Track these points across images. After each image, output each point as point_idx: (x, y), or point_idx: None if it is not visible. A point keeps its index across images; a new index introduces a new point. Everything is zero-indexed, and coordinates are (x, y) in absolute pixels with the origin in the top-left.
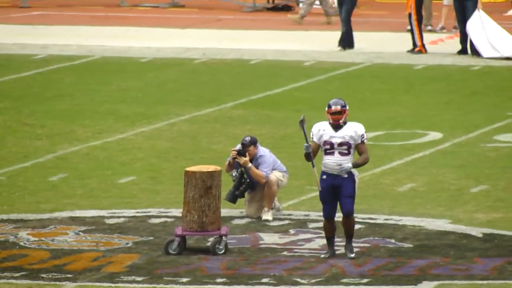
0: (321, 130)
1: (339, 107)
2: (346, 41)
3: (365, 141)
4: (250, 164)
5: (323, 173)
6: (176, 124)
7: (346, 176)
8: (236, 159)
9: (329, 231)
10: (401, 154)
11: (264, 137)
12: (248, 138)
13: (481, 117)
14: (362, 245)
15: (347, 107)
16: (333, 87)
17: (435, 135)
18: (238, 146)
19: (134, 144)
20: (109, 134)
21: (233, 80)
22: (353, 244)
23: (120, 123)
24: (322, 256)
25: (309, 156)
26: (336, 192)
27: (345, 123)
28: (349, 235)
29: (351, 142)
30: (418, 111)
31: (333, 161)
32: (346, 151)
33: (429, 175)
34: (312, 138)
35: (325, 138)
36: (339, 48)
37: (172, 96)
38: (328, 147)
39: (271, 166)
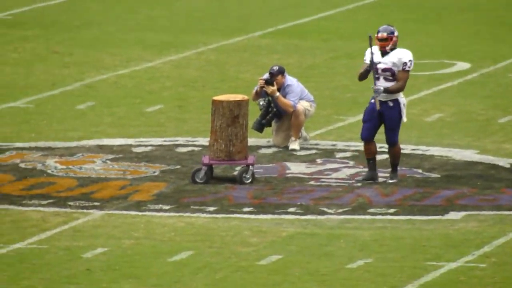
0: (372, 54)
1: (385, 34)
2: None
3: (407, 68)
4: (277, 93)
5: (372, 97)
6: (204, 53)
7: (391, 104)
8: (264, 88)
9: (367, 152)
10: (428, 84)
11: (291, 66)
12: (276, 67)
13: (509, 47)
14: (389, 175)
15: (395, 34)
16: (361, 17)
17: (463, 65)
18: (266, 75)
19: (162, 73)
20: (137, 62)
21: (261, 9)
22: (379, 174)
23: (148, 51)
24: (357, 178)
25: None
26: (381, 117)
27: (392, 49)
28: (393, 164)
29: (394, 68)
30: (446, 41)
31: (378, 86)
32: (390, 77)
33: (457, 105)
34: (365, 60)
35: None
36: None
37: (200, 24)
38: (375, 72)
39: (299, 95)
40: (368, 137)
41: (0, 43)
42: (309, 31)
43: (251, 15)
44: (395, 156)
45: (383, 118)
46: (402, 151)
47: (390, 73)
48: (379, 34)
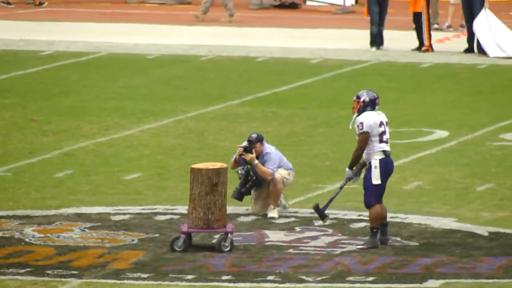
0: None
1: (354, 98)
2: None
3: (358, 131)
4: (256, 161)
5: None
6: (182, 121)
7: (367, 166)
8: (243, 156)
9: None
10: (407, 152)
11: (270, 134)
12: (254, 135)
13: (487, 115)
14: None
15: (361, 99)
16: (339, 85)
17: (441, 134)
18: (245, 143)
19: (141, 141)
20: (115, 130)
21: (240, 78)
22: (359, 242)
23: (126, 119)
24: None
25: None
26: None
27: (358, 114)
28: (370, 227)
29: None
30: (424, 109)
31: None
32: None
33: (435, 173)
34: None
35: None
36: (373, 48)
37: (178, 93)
38: None
39: (277, 163)
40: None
41: None
42: (288, 99)
43: (230, 84)
44: (369, 219)
45: None
46: None
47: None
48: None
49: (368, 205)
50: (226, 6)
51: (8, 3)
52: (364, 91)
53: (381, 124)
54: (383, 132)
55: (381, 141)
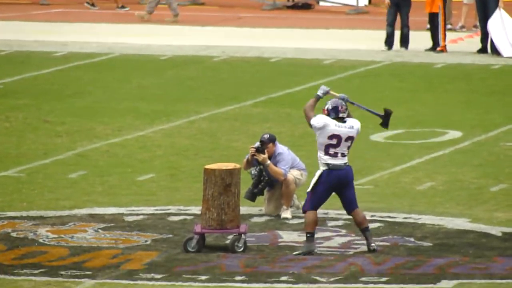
0: None
1: None
2: (406, 42)
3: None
4: (268, 161)
5: None
6: (195, 122)
7: None
8: (255, 156)
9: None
10: (420, 153)
11: (283, 135)
12: (266, 136)
13: (501, 116)
14: (381, 243)
15: (324, 107)
16: (353, 86)
17: (454, 134)
18: (257, 144)
19: (154, 142)
20: (128, 131)
21: (253, 78)
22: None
23: (139, 120)
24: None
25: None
26: None
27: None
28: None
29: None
30: (438, 109)
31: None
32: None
33: (449, 173)
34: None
35: None
36: (403, 48)
37: (191, 93)
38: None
39: (290, 163)
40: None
41: None
42: (301, 100)
43: (243, 84)
44: (304, 223)
45: None
46: (394, 219)
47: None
48: None
49: (303, 209)
50: (170, 6)
51: (93, 5)
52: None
53: (332, 136)
54: (331, 146)
55: (326, 153)
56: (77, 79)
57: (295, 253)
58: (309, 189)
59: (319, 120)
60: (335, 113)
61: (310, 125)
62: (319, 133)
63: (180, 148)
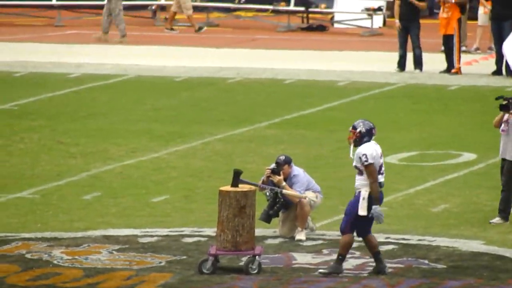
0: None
1: (350, 128)
2: (419, 63)
3: (363, 164)
4: (284, 183)
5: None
6: (210, 143)
7: (356, 193)
8: (270, 178)
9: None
10: (435, 175)
11: (298, 156)
12: (282, 157)
13: None
14: (395, 265)
15: (358, 129)
16: (367, 107)
17: (469, 156)
18: (273, 165)
19: (168, 163)
20: (143, 153)
21: (267, 100)
22: (388, 264)
23: (154, 142)
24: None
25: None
26: None
27: (355, 145)
28: (338, 253)
29: (357, 165)
30: (452, 131)
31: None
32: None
33: (463, 196)
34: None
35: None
36: (417, 70)
37: (206, 115)
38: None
39: (305, 185)
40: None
41: (6, 134)
42: (315, 122)
43: (257, 106)
44: (340, 244)
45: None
46: (408, 241)
47: (357, 170)
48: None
49: (343, 230)
50: (118, 27)
51: (172, 29)
52: (360, 121)
53: (380, 155)
54: (381, 165)
55: (378, 173)
56: (91, 100)
57: (320, 271)
58: (359, 213)
59: (371, 151)
60: (369, 137)
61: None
62: (375, 160)
63: (194, 170)
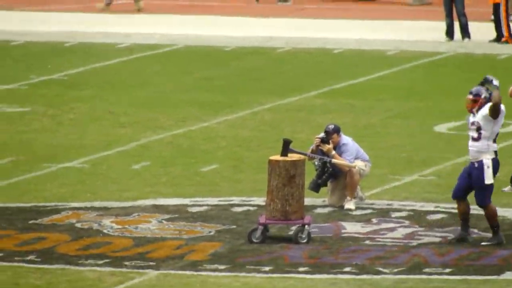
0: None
1: (471, 96)
2: (466, 31)
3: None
4: (333, 152)
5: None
6: (259, 113)
7: (476, 165)
8: (320, 147)
9: (458, 211)
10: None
11: (346, 126)
12: (331, 126)
13: None
14: (445, 234)
15: (482, 96)
16: (416, 76)
17: None
18: (322, 134)
19: (217, 133)
20: (192, 122)
21: (316, 69)
22: (436, 234)
23: (203, 111)
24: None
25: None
26: (469, 177)
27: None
28: (490, 225)
29: (483, 122)
30: (503, 100)
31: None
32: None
33: (509, 164)
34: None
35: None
36: (466, 39)
37: (255, 85)
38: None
39: (354, 154)
40: (455, 195)
41: (56, 104)
42: (364, 91)
43: (306, 75)
44: (487, 218)
45: (471, 178)
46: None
47: (475, 127)
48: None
49: (484, 204)
50: None
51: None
52: (479, 87)
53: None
54: (498, 133)
55: (494, 141)
56: (140, 70)
57: (483, 243)
58: (486, 182)
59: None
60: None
61: (496, 111)
62: (497, 121)
63: (243, 139)
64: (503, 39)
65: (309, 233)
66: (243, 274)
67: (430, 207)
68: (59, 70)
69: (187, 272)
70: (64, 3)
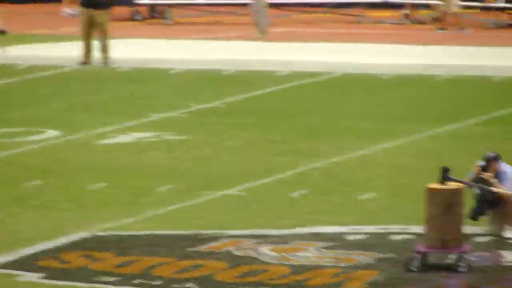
0: None
1: None
2: None
3: None
4: (494, 179)
5: None
6: (417, 141)
7: None
8: (479, 174)
9: None
10: None
11: (507, 154)
12: (491, 154)
13: None
14: None
15: None
16: None
17: None
18: (481, 162)
19: (376, 161)
20: (350, 150)
21: (475, 97)
22: None
23: (361, 139)
24: None
25: None
26: None
27: None
28: None
29: None
30: None
31: None
32: None
33: None
34: None
35: None
36: None
37: (413, 112)
38: None
39: None
40: None
41: (215, 132)
42: None
43: (465, 103)
44: None
45: None
46: None
47: None
48: None
49: None
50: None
51: (443, 29)
52: None
53: None
54: None
55: None
56: (300, 97)
57: None
58: None
59: None
60: None
61: None
62: None
63: (402, 167)
64: None
65: (468, 262)
66: None
67: None
68: (218, 98)
69: None
70: (225, 32)
